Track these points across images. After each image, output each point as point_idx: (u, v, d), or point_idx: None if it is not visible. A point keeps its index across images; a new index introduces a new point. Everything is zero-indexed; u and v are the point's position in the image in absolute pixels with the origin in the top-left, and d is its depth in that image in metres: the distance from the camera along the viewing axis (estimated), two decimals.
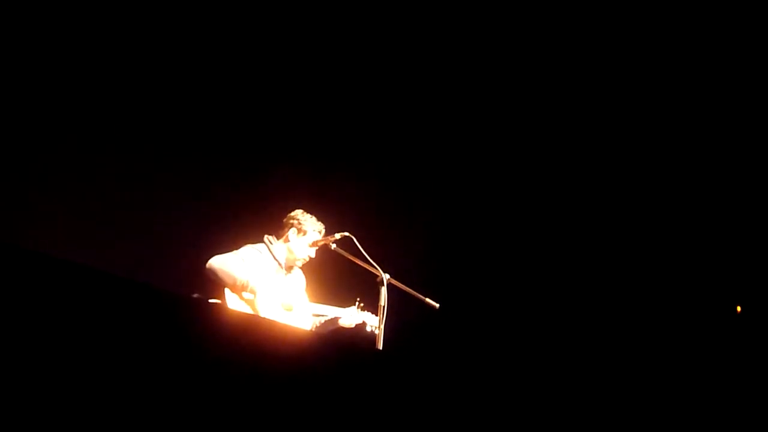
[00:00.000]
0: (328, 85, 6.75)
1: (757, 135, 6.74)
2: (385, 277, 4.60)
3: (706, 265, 6.85)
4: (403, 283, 4.72)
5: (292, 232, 5.01)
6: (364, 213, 6.29)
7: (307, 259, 5.05)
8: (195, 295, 4.69)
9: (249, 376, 2.66)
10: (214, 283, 4.64)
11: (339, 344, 3.89)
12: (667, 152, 6.93)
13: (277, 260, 4.97)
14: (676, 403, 5.57)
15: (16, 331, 2.35)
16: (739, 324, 6.78)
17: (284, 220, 5.07)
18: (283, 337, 2.96)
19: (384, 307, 4.58)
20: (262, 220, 5.40)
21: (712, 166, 6.88)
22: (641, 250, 6.96)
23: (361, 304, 5.05)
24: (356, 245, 4.66)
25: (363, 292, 5.00)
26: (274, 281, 4.87)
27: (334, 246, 4.83)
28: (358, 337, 5.04)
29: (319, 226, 5.03)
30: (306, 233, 5.00)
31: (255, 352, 2.72)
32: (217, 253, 4.71)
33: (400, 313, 4.74)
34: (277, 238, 5.05)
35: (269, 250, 4.97)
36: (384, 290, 4.59)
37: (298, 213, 5.05)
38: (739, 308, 6.82)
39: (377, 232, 5.55)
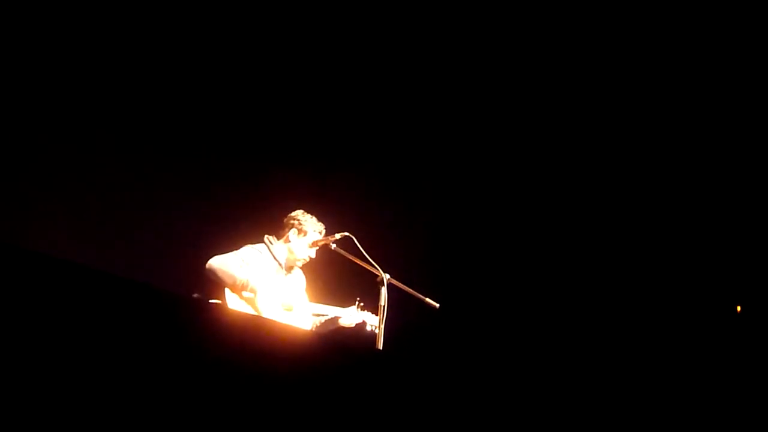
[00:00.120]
0: (328, 85, 6.75)
1: (757, 135, 6.73)
2: (385, 277, 4.60)
3: (706, 265, 6.85)
4: (403, 283, 4.72)
5: (292, 233, 5.01)
6: (364, 213, 6.30)
7: (308, 259, 5.05)
8: (195, 295, 4.69)
9: (249, 376, 2.66)
10: (214, 283, 4.65)
11: (339, 344, 3.89)
12: (667, 152, 6.93)
13: (277, 260, 4.97)
14: (676, 403, 5.57)
15: (16, 331, 2.35)
16: (739, 324, 6.78)
17: (284, 220, 5.07)
18: (283, 337, 2.96)
19: (384, 306, 4.58)
20: (262, 220, 5.41)
21: (712, 166, 6.87)
22: (641, 250, 6.96)
23: (361, 304, 5.05)
24: (356, 245, 4.67)
25: (363, 292, 5.00)
26: (274, 281, 4.88)
27: (334, 246, 4.83)
28: (358, 336, 5.04)
29: (320, 227, 5.03)
30: (306, 233, 5.00)
31: (255, 352, 2.71)
32: (217, 253, 4.72)
33: (400, 313, 4.74)
34: (278, 239, 5.05)
35: (269, 250, 4.97)
36: (384, 290, 4.60)
37: (299, 213, 5.05)
38: (739, 308, 6.81)
39: (377, 232, 5.55)
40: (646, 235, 6.98)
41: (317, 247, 5.01)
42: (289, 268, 5.05)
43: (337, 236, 4.81)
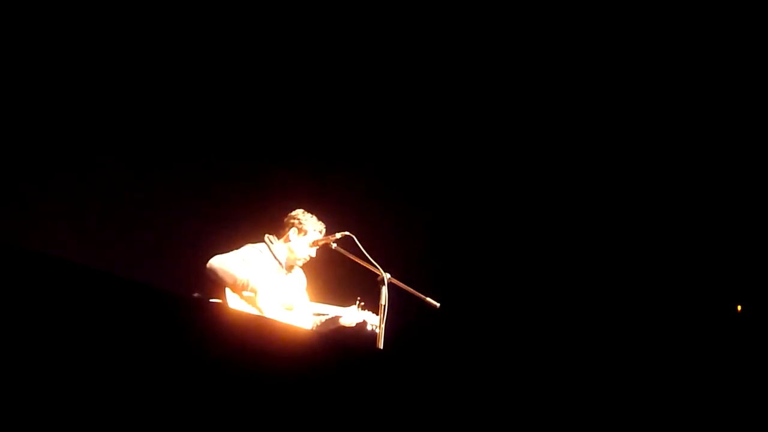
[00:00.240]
0: (328, 85, 6.74)
1: (757, 135, 6.73)
2: (386, 276, 4.61)
3: (706, 264, 6.85)
4: (403, 283, 4.72)
5: (292, 232, 5.01)
6: (364, 212, 6.30)
7: (308, 259, 5.05)
8: (195, 295, 4.69)
9: (250, 376, 2.66)
10: (214, 283, 4.65)
11: (339, 343, 3.89)
12: (667, 152, 6.93)
13: (277, 260, 4.97)
14: (677, 403, 5.57)
15: (17, 331, 2.34)
16: (740, 323, 6.78)
17: (285, 219, 5.07)
18: (283, 336, 2.96)
19: (384, 306, 4.59)
20: (262, 220, 5.40)
21: (712, 166, 6.87)
22: (641, 249, 6.96)
23: (362, 304, 5.05)
24: (357, 245, 4.67)
25: (363, 291, 5.00)
26: (274, 281, 4.87)
27: (334, 245, 4.83)
28: (359, 336, 5.04)
29: (320, 226, 5.03)
30: (307, 233, 5.00)
31: (256, 352, 2.71)
32: (218, 253, 4.72)
33: (400, 313, 4.75)
34: (278, 238, 5.05)
35: (270, 249, 4.97)
36: (384, 289, 4.60)
37: (299, 213, 5.05)
38: (739, 308, 6.81)
39: (377, 232, 5.55)
40: (646, 234, 6.98)
41: (317, 247, 5.01)
42: (290, 268, 5.05)
43: (338, 235, 4.81)
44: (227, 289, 4.65)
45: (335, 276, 5.57)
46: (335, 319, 5.05)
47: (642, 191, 7.00)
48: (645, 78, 6.80)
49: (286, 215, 5.08)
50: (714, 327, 6.76)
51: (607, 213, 7.03)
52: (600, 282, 6.90)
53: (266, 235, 5.04)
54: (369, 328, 5.00)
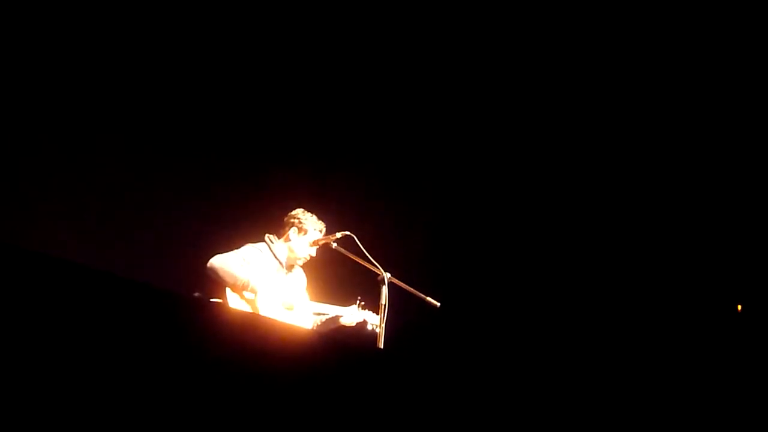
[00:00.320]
0: (328, 85, 6.74)
1: (757, 135, 6.73)
2: (386, 275, 4.61)
3: (706, 264, 6.85)
4: (403, 282, 4.72)
5: (292, 231, 5.01)
6: (364, 212, 6.30)
7: (308, 258, 5.05)
8: (196, 295, 4.69)
9: (250, 376, 2.66)
10: (215, 283, 4.65)
11: (340, 343, 3.89)
12: (667, 152, 6.93)
13: (278, 259, 4.97)
14: (677, 403, 5.57)
15: (17, 331, 2.34)
16: (740, 323, 6.78)
17: (285, 219, 5.06)
18: (284, 336, 2.96)
19: (385, 305, 4.59)
20: (262, 219, 5.40)
21: (712, 166, 6.87)
22: (641, 249, 6.96)
23: (362, 303, 5.04)
24: (357, 244, 4.67)
25: (364, 290, 5.00)
26: (275, 280, 4.87)
27: (335, 245, 4.83)
28: (359, 336, 5.04)
29: (320, 225, 5.03)
30: (307, 232, 5.00)
31: (256, 352, 2.71)
32: (218, 253, 4.71)
33: (400, 312, 4.75)
34: (278, 237, 5.05)
35: (270, 249, 4.97)
36: (385, 289, 4.60)
37: (299, 212, 5.05)
38: (739, 307, 6.81)
39: (377, 232, 5.56)
40: (646, 234, 6.98)
41: (318, 246, 5.01)
42: (290, 267, 5.04)
43: (338, 235, 4.81)
44: (228, 289, 4.65)
45: (335, 275, 5.57)
46: (335, 318, 5.05)
47: (642, 191, 7.00)
48: (645, 78, 6.80)
49: (286, 215, 5.08)
50: (714, 327, 6.76)
51: (607, 213, 7.03)
52: (600, 282, 6.90)
53: (266, 235, 5.04)
54: (369, 327, 5.00)
